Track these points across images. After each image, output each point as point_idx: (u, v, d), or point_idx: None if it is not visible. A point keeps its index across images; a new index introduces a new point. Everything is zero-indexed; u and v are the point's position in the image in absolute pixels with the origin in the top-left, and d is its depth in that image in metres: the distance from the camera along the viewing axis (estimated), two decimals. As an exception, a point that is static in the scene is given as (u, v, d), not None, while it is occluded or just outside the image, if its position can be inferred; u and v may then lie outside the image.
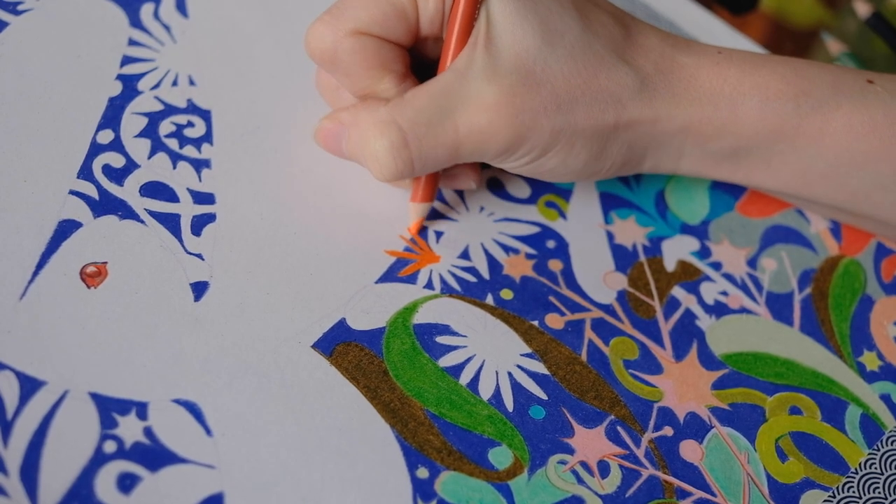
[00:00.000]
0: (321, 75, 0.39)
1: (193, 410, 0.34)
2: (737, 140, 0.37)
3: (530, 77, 0.35)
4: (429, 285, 0.39)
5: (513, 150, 0.36)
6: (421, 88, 0.35)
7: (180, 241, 0.37)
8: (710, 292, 0.41)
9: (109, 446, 0.32)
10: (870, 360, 0.40)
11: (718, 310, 0.40)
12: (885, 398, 0.39)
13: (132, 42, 0.43)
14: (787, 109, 0.37)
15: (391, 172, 0.36)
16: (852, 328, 0.40)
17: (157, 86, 0.42)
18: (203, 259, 0.37)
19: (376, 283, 0.38)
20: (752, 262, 0.42)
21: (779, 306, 0.41)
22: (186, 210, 0.38)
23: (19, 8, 0.42)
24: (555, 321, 0.39)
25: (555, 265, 0.40)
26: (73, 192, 0.38)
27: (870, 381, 0.39)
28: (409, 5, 0.36)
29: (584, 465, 0.35)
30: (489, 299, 0.39)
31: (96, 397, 0.33)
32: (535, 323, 0.38)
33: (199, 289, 0.37)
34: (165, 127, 0.40)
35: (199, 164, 0.40)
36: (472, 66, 0.35)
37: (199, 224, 0.38)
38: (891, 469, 0.37)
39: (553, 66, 0.35)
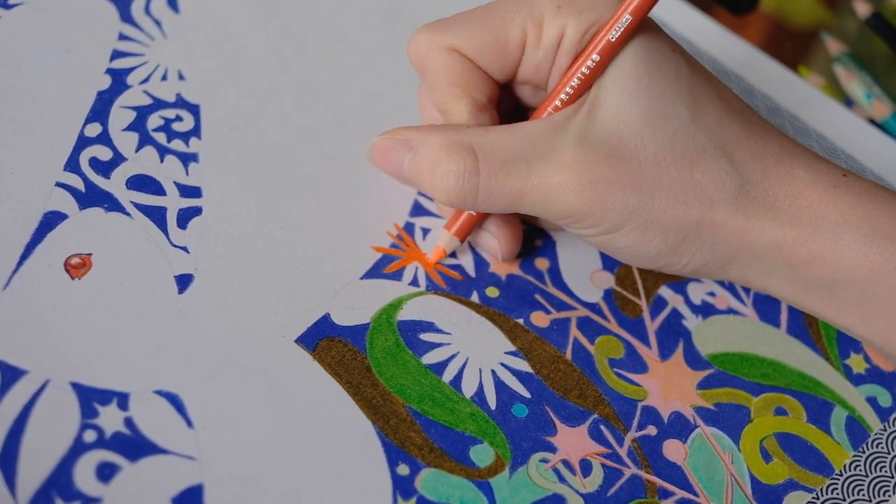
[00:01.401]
0: (422, 90, 0.39)
1: (175, 402, 0.34)
2: (831, 272, 0.34)
3: (619, 151, 0.34)
4: (414, 282, 0.39)
5: (578, 218, 0.35)
6: (507, 127, 0.35)
7: (166, 233, 0.38)
8: (697, 292, 0.41)
9: (89, 436, 0.32)
10: (856, 363, 0.40)
11: (705, 310, 0.40)
12: (872, 401, 0.39)
13: (122, 37, 0.43)
14: (893, 251, 0.34)
15: (455, 196, 0.35)
16: (840, 331, 0.40)
17: (146, 80, 0.42)
18: (188, 252, 0.37)
19: (361, 278, 0.38)
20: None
21: (766, 308, 0.41)
22: (173, 203, 0.38)
23: (10, 2, 0.42)
24: (540, 319, 0.39)
25: (542, 263, 0.40)
26: (59, 184, 0.38)
27: (856, 384, 0.39)
28: (513, 44, 0.36)
29: (566, 463, 0.35)
30: (474, 297, 0.39)
31: (77, 387, 0.33)
32: (521, 321, 0.38)
33: (184, 281, 0.37)
34: (153, 121, 0.40)
35: (187, 158, 0.40)
36: (569, 125, 0.34)
37: (184, 217, 0.38)
38: (876, 471, 0.37)
39: (648, 147, 0.34)
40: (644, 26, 0.35)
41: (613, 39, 0.34)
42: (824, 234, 0.34)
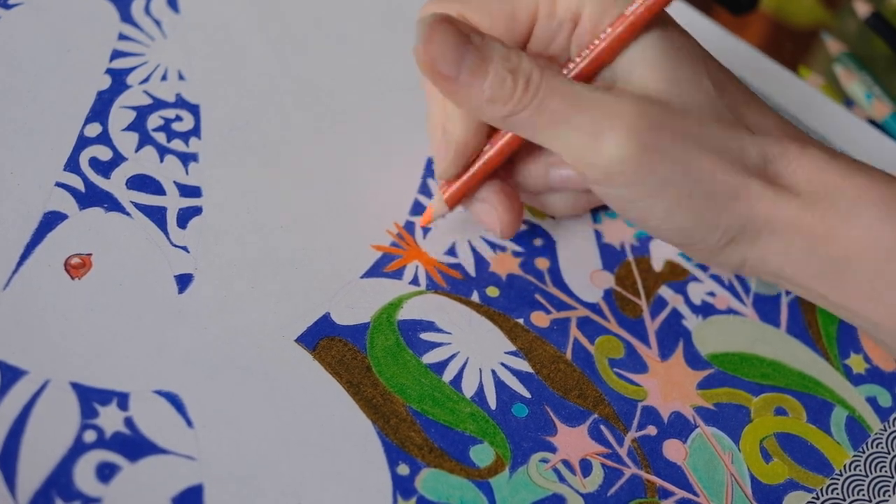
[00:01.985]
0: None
1: (175, 402, 0.34)
2: (846, 248, 0.34)
3: (670, 106, 0.33)
4: (414, 281, 0.39)
5: (625, 167, 0.33)
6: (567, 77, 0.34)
7: (166, 233, 0.38)
8: (697, 292, 0.41)
9: (89, 436, 0.32)
10: (856, 363, 0.40)
11: (705, 310, 0.40)
12: (872, 401, 0.39)
13: (122, 37, 0.43)
14: None
15: (516, 97, 0.33)
16: (839, 331, 0.40)
17: (146, 80, 0.42)
18: (188, 252, 0.37)
19: (362, 277, 0.38)
20: (741, 264, 0.42)
21: (766, 308, 0.41)
22: (172, 203, 0.38)
23: (10, 2, 0.42)
24: (540, 319, 0.39)
25: (542, 263, 0.40)
26: (59, 184, 0.38)
27: (856, 384, 0.39)
28: (524, 14, 0.35)
29: (566, 463, 0.35)
30: (475, 296, 0.39)
31: (77, 387, 0.33)
32: (521, 321, 0.38)
33: (184, 281, 0.37)
34: (153, 121, 0.40)
35: (187, 158, 0.40)
36: (610, 90, 0.34)
37: (184, 217, 0.38)
38: (876, 472, 0.37)
39: (692, 111, 0.34)
40: (664, 18, 0.35)
41: (641, 11, 0.34)
42: (842, 210, 0.34)
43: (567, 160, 0.34)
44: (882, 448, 0.37)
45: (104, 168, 0.39)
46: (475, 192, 0.38)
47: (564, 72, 0.35)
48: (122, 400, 0.33)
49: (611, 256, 0.41)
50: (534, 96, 0.33)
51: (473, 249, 0.40)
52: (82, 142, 0.39)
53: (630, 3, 0.34)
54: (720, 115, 0.34)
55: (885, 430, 0.38)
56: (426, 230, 0.40)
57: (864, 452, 0.37)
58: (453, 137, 0.36)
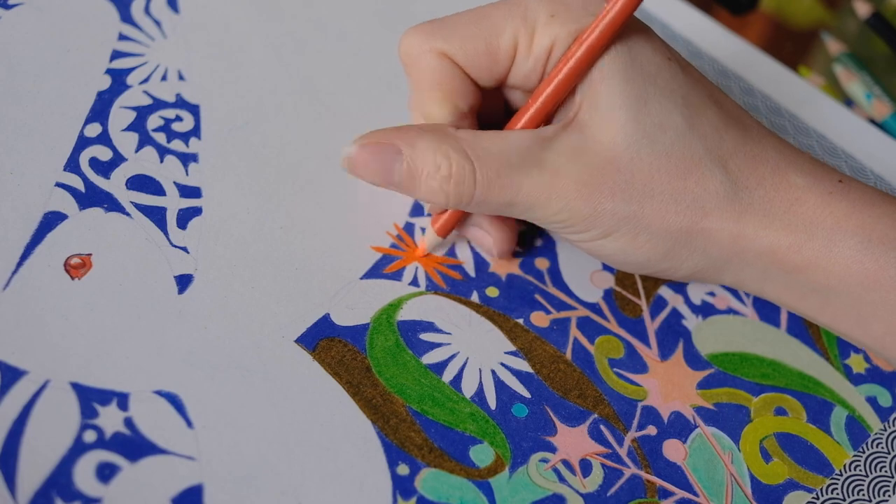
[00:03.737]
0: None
1: (175, 402, 0.34)
2: (826, 278, 0.34)
3: (613, 162, 0.34)
4: (414, 282, 0.39)
5: (568, 224, 0.35)
6: (495, 133, 0.35)
7: (166, 234, 0.38)
8: (697, 292, 0.41)
9: (89, 436, 0.32)
10: (856, 363, 0.40)
11: (705, 310, 0.40)
12: (871, 401, 0.39)
13: (122, 37, 0.43)
14: (889, 258, 0.34)
15: (451, 200, 0.35)
16: (840, 331, 0.40)
17: (146, 80, 0.42)
18: (188, 252, 0.37)
19: (361, 278, 0.38)
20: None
21: (766, 308, 0.40)
22: (172, 203, 0.38)
23: (10, 2, 0.42)
24: (540, 319, 0.39)
25: (541, 263, 0.40)
26: (59, 185, 0.38)
27: (856, 384, 0.39)
28: (504, 51, 0.35)
29: (566, 463, 0.35)
30: (474, 297, 0.39)
31: (77, 387, 0.33)
32: (521, 321, 0.38)
33: (184, 282, 0.37)
34: (153, 121, 0.41)
35: (187, 158, 0.40)
36: (560, 141, 0.34)
37: (184, 217, 0.38)
38: (876, 471, 0.37)
39: (643, 159, 0.34)
40: (639, 33, 0.35)
41: (593, 41, 0.34)
42: (819, 240, 0.34)
43: (520, 217, 0.36)
44: (882, 448, 0.37)
45: (104, 168, 0.39)
46: (466, 218, 0.38)
47: (524, 111, 0.35)
48: (122, 400, 0.33)
49: (602, 261, 0.41)
50: (471, 198, 0.34)
51: (473, 250, 0.40)
52: (82, 142, 0.39)
53: (587, 31, 0.34)
54: (683, 153, 0.34)
55: (886, 430, 0.38)
56: (426, 231, 0.40)
57: (864, 452, 0.37)
58: None
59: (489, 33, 0.35)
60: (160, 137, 0.40)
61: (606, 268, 0.41)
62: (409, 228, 0.40)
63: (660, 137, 0.34)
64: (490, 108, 0.38)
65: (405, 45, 0.36)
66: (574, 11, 0.35)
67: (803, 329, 0.40)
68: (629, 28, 0.35)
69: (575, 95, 0.35)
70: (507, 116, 0.38)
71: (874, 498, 0.36)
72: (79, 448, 0.32)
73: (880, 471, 0.37)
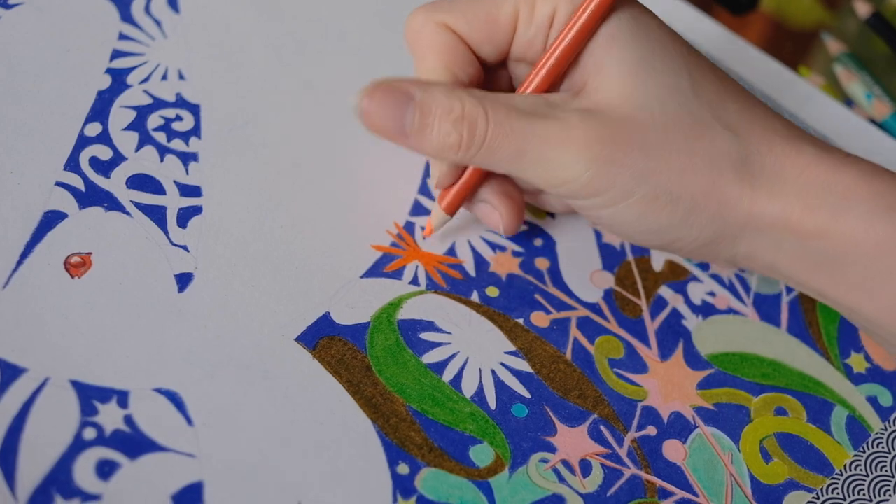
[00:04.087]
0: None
1: (175, 400, 0.34)
2: (838, 244, 0.34)
3: (627, 120, 0.33)
4: (414, 281, 0.39)
5: (583, 184, 0.33)
6: (502, 94, 0.34)
7: (166, 232, 0.38)
8: (697, 292, 0.41)
9: (89, 433, 0.32)
10: (857, 363, 0.40)
11: (705, 310, 0.40)
12: (872, 400, 0.39)
13: (122, 36, 0.43)
14: None
15: (462, 144, 0.33)
16: (840, 330, 0.40)
17: (146, 80, 0.42)
18: (188, 251, 0.37)
19: (362, 277, 0.38)
20: (741, 264, 0.42)
21: (766, 307, 0.41)
22: (173, 202, 0.38)
23: (10, 2, 0.43)
24: (540, 319, 0.39)
25: (542, 263, 0.40)
26: (59, 184, 0.38)
27: (856, 384, 0.39)
28: (504, 21, 0.35)
29: (565, 463, 0.35)
30: (475, 296, 0.39)
31: (77, 385, 0.33)
32: (521, 321, 0.38)
33: (184, 280, 0.37)
34: (154, 120, 0.41)
35: (187, 158, 0.40)
36: (568, 103, 0.34)
37: (185, 216, 0.38)
38: (876, 471, 0.37)
39: (657, 118, 0.33)
40: (640, 6, 0.35)
41: (595, 6, 0.34)
42: (831, 205, 0.34)
43: (529, 182, 0.35)
44: (883, 448, 0.37)
45: (104, 167, 0.39)
46: (474, 194, 0.38)
47: (529, 79, 0.35)
48: (122, 398, 0.33)
49: (611, 256, 0.41)
50: (482, 142, 0.33)
51: (473, 249, 0.40)
52: (82, 141, 0.39)
53: (571, 18, 0.34)
54: (693, 117, 0.34)
55: (886, 430, 0.38)
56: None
57: (864, 452, 0.37)
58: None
59: (490, 4, 0.35)
60: (160, 137, 0.40)
61: (606, 267, 0.41)
62: (409, 227, 0.40)
63: (669, 100, 0.34)
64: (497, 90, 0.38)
65: (409, 22, 0.36)
66: None
67: (804, 329, 0.40)
68: (631, 1, 0.35)
69: (580, 61, 0.35)
70: None
71: (874, 497, 0.36)
72: (78, 445, 0.32)
73: (881, 470, 0.37)
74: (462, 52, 0.36)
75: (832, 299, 0.36)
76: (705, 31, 0.49)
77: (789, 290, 0.41)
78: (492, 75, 0.38)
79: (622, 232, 0.36)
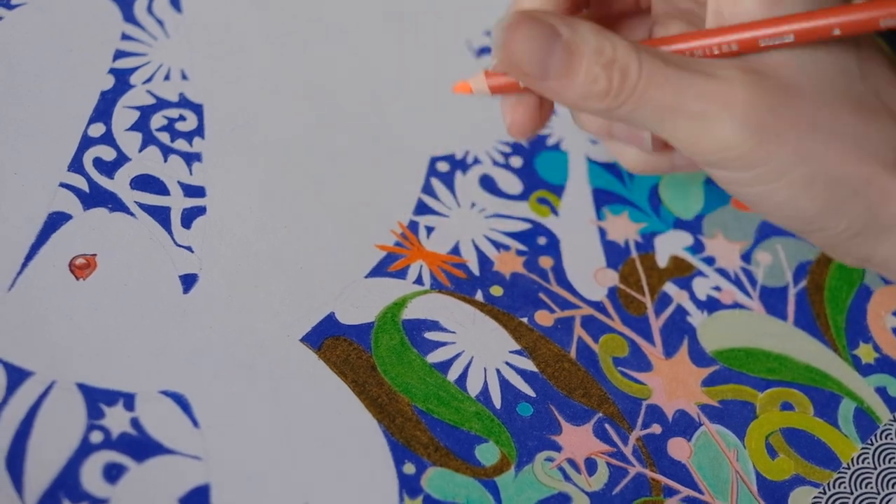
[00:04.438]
0: None
1: (181, 402, 0.34)
2: None
3: (799, 91, 0.30)
4: (418, 281, 0.39)
5: (739, 154, 0.30)
6: (666, 53, 0.31)
7: (170, 233, 0.38)
8: (702, 288, 0.40)
9: (96, 437, 0.33)
10: (865, 353, 0.39)
11: (710, 305, 0.40)
12: (881, 391, 0.38)
13: (125, 37, 0.43)
14: None
15: (613, 91, 0.30)
16: (848, 320, 0.40)
17: (149, 80, 0.42)
18: (192, 252, 0.37)
19: (366, 277, 0.38)
20: (747, 256, 0.42)
21: (773, 300, 0.40)
22: (177, 203, 0.38)
23: (12, 2, 0.42)
24: (544, 318, 0.39)
25: (545, 262, 0.40)
26: (63, 185, 0.38)
27: (865, 374, 0.39)
28: None
29: (571, 462, 0.35)
30: (479, 295, 0.39)
31: (83, 388, 0.33)
32: (525, 320, 0.38)
33: (189, 281, 0.37)
34: (157, 121, 0.40)
35: (190, 158, 0.40)
36: (730, 60, 0.31)
37: (189, 217, 0.38)
38: (884, 463, 0.37)
39: (827, 94, 0.30)
40: None
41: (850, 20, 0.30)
42: None
43: (676, 147, 0.32)
44: (892, 439, 0.37)
45: (108, 168, 0.39)
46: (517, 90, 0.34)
47: (701, 47, 0.31)
48: (128, 400, 0.34)
49: (615, 254, 0.41)
50: (632, 91, 0.30)
51: (477, 248, 0.40)
52: (86, 142, 0.39)
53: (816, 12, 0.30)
54: (860, 100, 0.31)
55: (895, 421, 0.38)
56: (430, 229, 0.40)
57: (872, 444, 0.37)
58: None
59: None
60: (164, 137, 0.40)
61: (610, 265, 0.41)
62: (413, 227, 0.40)
63: (840, 79, 0.31)
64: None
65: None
66: None
67: (811, 320, 0.40)
68: None
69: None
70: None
71: (883, 490, 0.36)
72: (85, 449, 0.32)
73: (889, 462, 0.37)
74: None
75: None
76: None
77: (796, 281, 0.41)
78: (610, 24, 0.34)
79: (767, 212, 0.33)
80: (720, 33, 0.31)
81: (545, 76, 0.30)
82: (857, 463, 0.37)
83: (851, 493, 0.36)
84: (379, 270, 0.39)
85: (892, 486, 0.36)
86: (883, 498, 0.36)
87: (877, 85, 0.32)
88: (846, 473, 0.36)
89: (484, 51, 0.47)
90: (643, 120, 0.31)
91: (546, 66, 0.30)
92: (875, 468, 0.37)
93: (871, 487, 0.36)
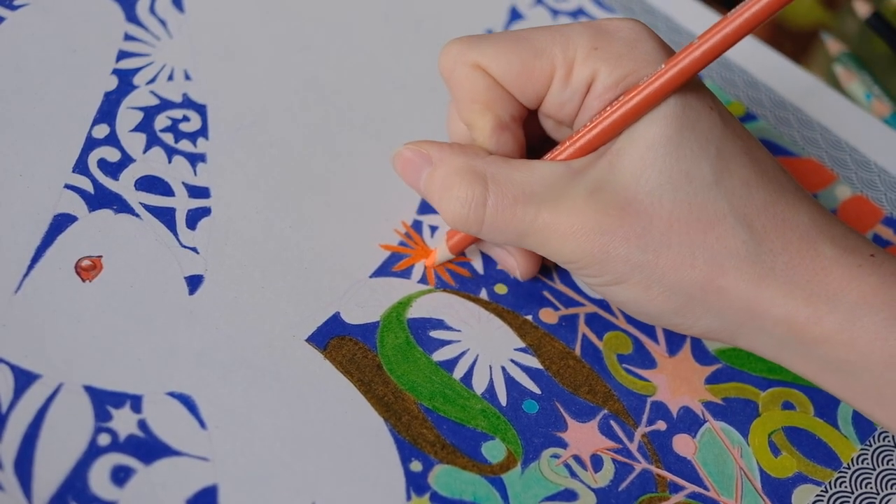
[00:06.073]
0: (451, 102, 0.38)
1: (188, 403, 0.34)
2: (846, 353, 0.32)
3: (633, 205, 0.33)
4: (423, 280, 0.39)
5: (581, 265, 0.34)
6: (524, 162, 0.35)
7: (175, 234, 0.38)
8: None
9: (104, 439, 0.33)
10: (863, 355, 0.40)
11: (712, 305, 0.40)
12: (878, 393, 0.39)
13: (128, 37, 0.43)
14: None
15: (460, 222, 0.35)
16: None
17: (152, 80, 0.42)
18: (198, 253, 0.37)
19: (371, 277, 0.38)
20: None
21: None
22: (181, 204, 0.38)
23: (15, 3, 0.42)
24: (549, 316, 0.39)
25: (549, 260, 0.40)
26: (68, 187, 0.38)
27: (863, 376, 0.39)
28: (540, 74, 0.35)
29: (577, 458, 0.36)
30: (483, 294, 0.39)
31: (91, 390, 0.33)
32: (529, 317, 0.39)
33: (194, 282, 0.37)
34: (161, 121, 0.41)
35: (195, 159, 0.40)
36: (587, 173, 0.34)
37: (194, 218, 0.38)
38: (883, 464, 0.37)
39: (664, 206, 0.33)
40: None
41: (648, 94, 0.33)
42: (841, 313, 0.32)
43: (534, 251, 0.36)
44: (889, 441, 0.38)
45: (113, 169, 0.39)
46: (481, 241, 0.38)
47: (562, 148, 0.35)
48: (136, 402, 0.34)
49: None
50: (480, 222, 0.34)
51: (482, 247, 0.40)
52: (90, 143, 0.39)
53: (647, 83, 0.33)
54: (704, 206, 0.33)
55: (892, 423, 0.38)
56: (434, 228, 0.40)
57: (871, 446, 0.37)
58: None
59: (526, 53, 0.35)
60: (168, 138, 0.40)
61: (614, 263, 0.41)
62: (417, 226, 0.40)
63: (684, 186, 0.33)
64: (530, 131, 0.38)
65: (443, 56, 0.36)
66: (617, 46, 0.34)
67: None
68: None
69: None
70: (543, 146, 0.38)
71: (882, 491, 0.36)
72: (93, 451, 0.32)
73: (888, 464, 0.37)
74: (500, 93, 0.35)
75: (842, 399, 0.34)
76: (708, 24, 0.49)
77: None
78: (533, 115, 0.37)
79: (623, 309, 0.36)
80: (564, 143, 0.35)
81: (422, 193, 0.36)
82: (857, 463, 0.37)
83: (852, 493, 0.36)
84: (384, 270, 0.39)
85: (891, 487, 0.36)
86: (882, 498, 0.36)
87: (732, 188, 0.33)
88: (847, 473, 0.37)
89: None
90: (502, 242, 0.36)
91: (419, 187, 0.36)
92: (874, 468, 0.37)
93: (871, 487, 0.36)
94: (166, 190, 0.39)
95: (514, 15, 0.48)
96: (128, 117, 0.40)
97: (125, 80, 0.41)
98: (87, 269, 0.36)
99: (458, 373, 0.37)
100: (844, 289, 0.32)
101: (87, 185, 0.38)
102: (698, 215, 0.33)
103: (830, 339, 0.32)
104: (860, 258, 0.33)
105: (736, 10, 0.31)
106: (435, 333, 0.37)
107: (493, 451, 0.35)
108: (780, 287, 0.32)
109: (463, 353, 0.37)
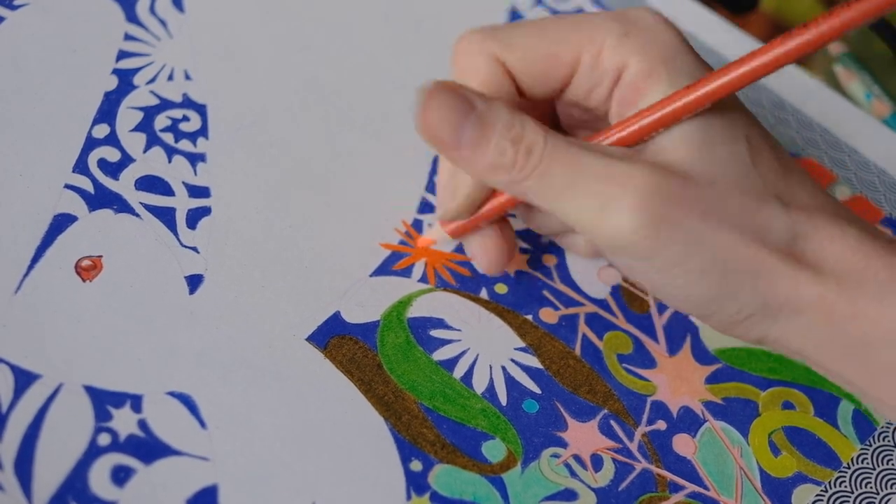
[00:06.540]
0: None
1: (188, 403, 0.34)
2: (872, 329, 0.32)
3: (692, 179, 0.32)
4: (423, 279, 0.39)
5: (634, 241, 0.31)
6: (574, 139, 0.33)
7: (175, 234, 0.38)
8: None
9: (104, 439, 0.33)
10: (863, 355, 0.40)
11: (712, 304, 0.40)
12: (878, 393, 0.39)
13: (128, 37, 0.43)
14: None
15: (518, 166, 0.32)
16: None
17: (152, 80, 0.42)
18: (198, 252, 0.37)
19: (371, 276, 0.38)
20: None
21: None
22: (181, 204, 0.38)
23: (15, 3, 0.42)
24: (549, 316, 0.39)
25: (549, 260, 0.40)
26: (68, 186, 0.38)
27: (863, 376, 0.39)
28: (564, 64, 0.34)
29: (577, 458, 0.36)
30: (483, 293, 0.39)
31: (91, 390, 0.33)
32: (529, 317, 0.39)
33: (194, 282, 0.37)
34: (161, 121, 0.41)
35: (195, 158, 0.40)
36: (629, 154, 0.32)
37: (194, 217, 0.38)
38: (883, 464, 0.37)
39: (718, 183, 0.32)
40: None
41: (708, 91, 0.32)
42: (870, 291, 0.32)
43: (575, 228, 0.33)
44: (889, 441, 0.38)
45: (113, 169, 0.39)
46: (478, 226, 0.37)
47: (602, 139, 0.34)
48: (136, 402, 0.34)
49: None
50: (536, 165, 0.32)
51: (482, 247, 0.40)
52: (90, 143, 0.39)
53: (688, 86, 0.32)
54: (750, 187, 0.32)
55: (892, 424, 0.38)
56: (433, 225, 0.40)
57: (870, 446, 0.37)
58: (462, 190, 0.35)
59: (551, 41, 0.34)
60: (168, 137, 0.40)
61: (614, 263, 0.41)
62: (417, 225, 0.40)
63: (730, 168, 0.32)
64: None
65: (461, 44, 0.35)
66: (647, 32, 0.33)
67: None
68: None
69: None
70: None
71: (882, 490, 0.36)
72: (94, 451, 0.32)
73: (887, 464, 0.37)
74: (506, 89, 0.35)
75: (859, 387, 0.34)
76: (708, 26, 0.49)
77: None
78: (532, 112, 0.36)
79: (664, 298, 0.34)
80: (610, 130, 0.33)
81: (457, 145, 0.32)
82: (857, 463, 0.37)
83: (852, 493, 0.36)
84: (384, 269, 0.39)
85: (891, 487, 0.36)
86: (882, 498, 0.36)
87: (766, 172, 0.33)
88: (846, 473, 0.37)
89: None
90: (545, 198, 0.32)
91: (459, 135, 0.32)
92: (874, 468, 0.37)
93: (871, 487, 0.36)
94: (166, 190, 0.39)
95: (514, 15, 0.48)
96: (128, 117, 0.40)
97: (125, 80, 0.41)
98: (88, 269, 0.36)
99: (459, 372, 0.37)
100: (872, 266, 0.32)
101: (87, 184, 0.38)
102: (747, 194, 0.32)
103: (859, 315, 0.32)
104: (883, 240, 0.33)
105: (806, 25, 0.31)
106: (435, 333, 0.37)
107: (494, 450, 0.35)
108: (812, 267, 0.32)
109: (463, 353, 0.37)
